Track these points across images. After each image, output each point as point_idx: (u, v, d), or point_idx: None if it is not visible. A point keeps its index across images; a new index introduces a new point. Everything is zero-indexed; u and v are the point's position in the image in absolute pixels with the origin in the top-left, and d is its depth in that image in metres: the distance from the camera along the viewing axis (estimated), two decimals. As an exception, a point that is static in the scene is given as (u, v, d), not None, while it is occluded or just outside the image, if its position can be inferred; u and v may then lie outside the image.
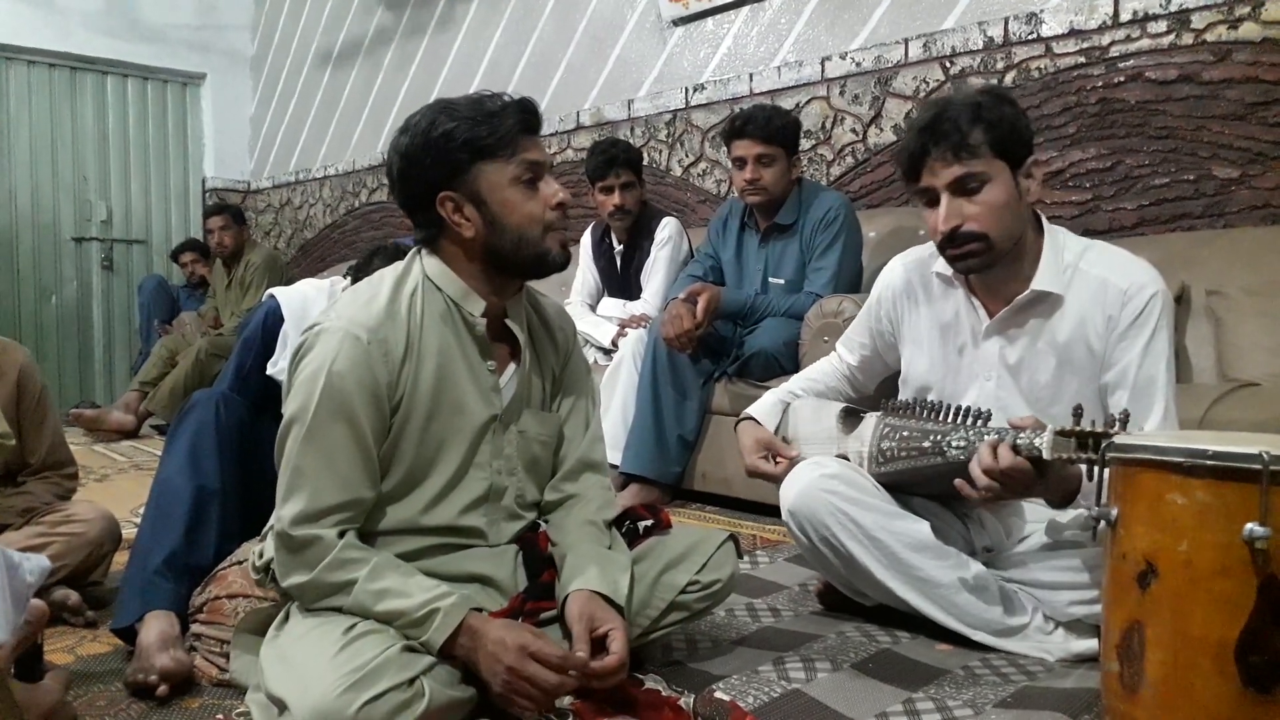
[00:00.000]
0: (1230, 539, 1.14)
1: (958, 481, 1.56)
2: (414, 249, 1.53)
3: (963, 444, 1.60)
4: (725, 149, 3.08)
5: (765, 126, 2.90)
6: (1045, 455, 1.45)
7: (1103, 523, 1.28)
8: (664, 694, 1.48)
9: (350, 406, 1.36)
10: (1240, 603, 1.14)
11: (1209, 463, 1.16)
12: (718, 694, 1.48)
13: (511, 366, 1.54)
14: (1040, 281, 1.69)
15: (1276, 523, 1.12)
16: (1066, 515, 1.71)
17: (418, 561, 1.43)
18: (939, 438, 1.64)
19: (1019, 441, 1.50)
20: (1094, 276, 1.68)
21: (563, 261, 1.49)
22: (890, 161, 3.30)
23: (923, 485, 1.75)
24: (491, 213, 1.43)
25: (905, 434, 1.70)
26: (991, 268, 1.69)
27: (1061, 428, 1.44)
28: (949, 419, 1.65)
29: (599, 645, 1.36)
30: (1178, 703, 1.18)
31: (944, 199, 1.64)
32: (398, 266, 1.51)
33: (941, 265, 1.78)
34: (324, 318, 1.43)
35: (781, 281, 3.00)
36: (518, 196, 1.43)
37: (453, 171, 1.42)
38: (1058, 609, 1.67)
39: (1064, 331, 1.69)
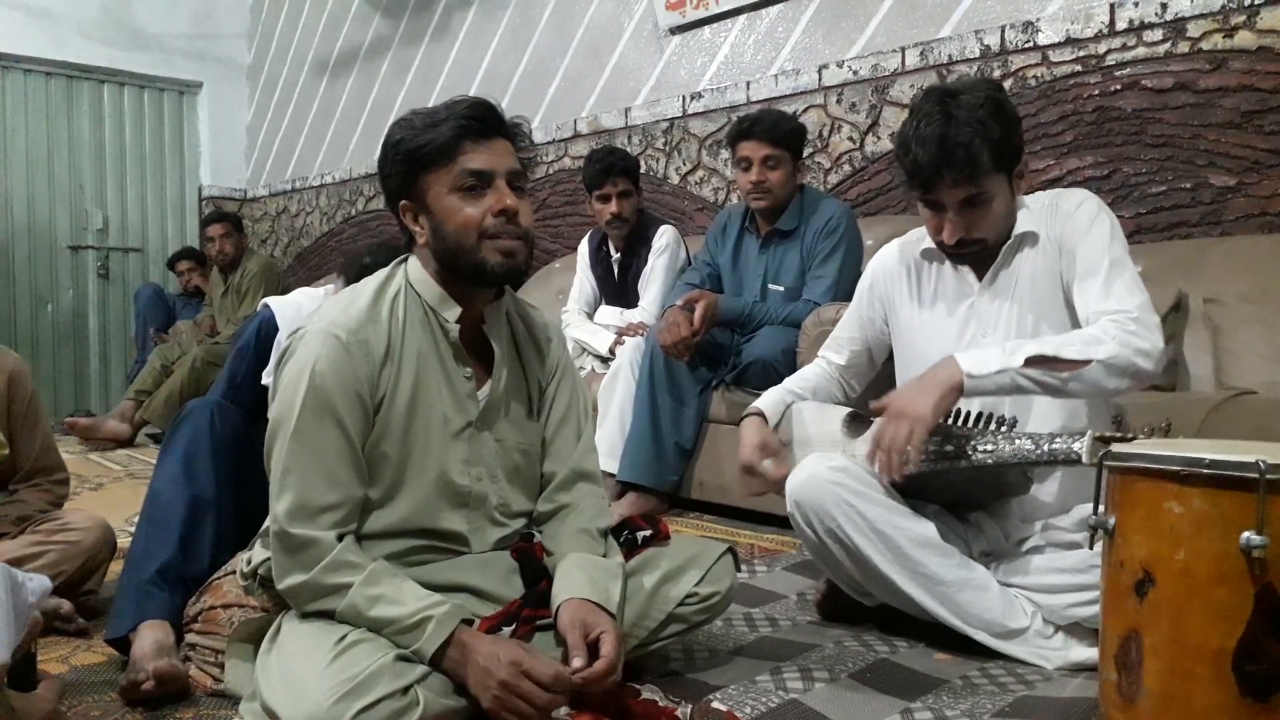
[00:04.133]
0: (1227, 548, 1.14)
1: None
2: (400, 258, 1.55)
3: (990, 448, 1.60)
4: (730, 151, 3.06)
5: (772, 129, 2.90)
6: (1085, 460, 1.45)
7: (1100, 531, 1.28)
8: (661, 704, 1.48)
9: (334, 406, 1.37)
10: (1237, 611, 1.14)
11: (1206, 471, 1.16)
12: (715, 704, 1.47)
13: (490, 374, 1.55)
14: (1021, 226, 1.78)
15: (1273, 531, 1.12)
16: (1066, 519, 1.72)
17: (403, 567, 1.43)
18: (963, 442, 1.63)
19: (1056, 446, 1.50)
20: (1046, 206, 1.80)
21: (503, 272, 1.44)
22: (888, 170, 3.30)
23: (940, 491, 1.75)
24: (435, 221, 1.45)
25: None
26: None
27: (1100, 433, 1.44)
28: (967, 424, 1.65)
29: (593, 650, 1.36)
30: (1175, 712, 1.17)
31: (951, 214, 1.74)
32: (383, 272, 1.52)
33: (927, 242, 1.87)
34: (307, 322, 1.44)
35: (781, 288, 2.99)
36: (456, 204, 1.43)
37: (404, 181, 1.46)
38: (1056, 612, 1.67)
39: (1043, 261, 1.77)
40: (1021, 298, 1.77)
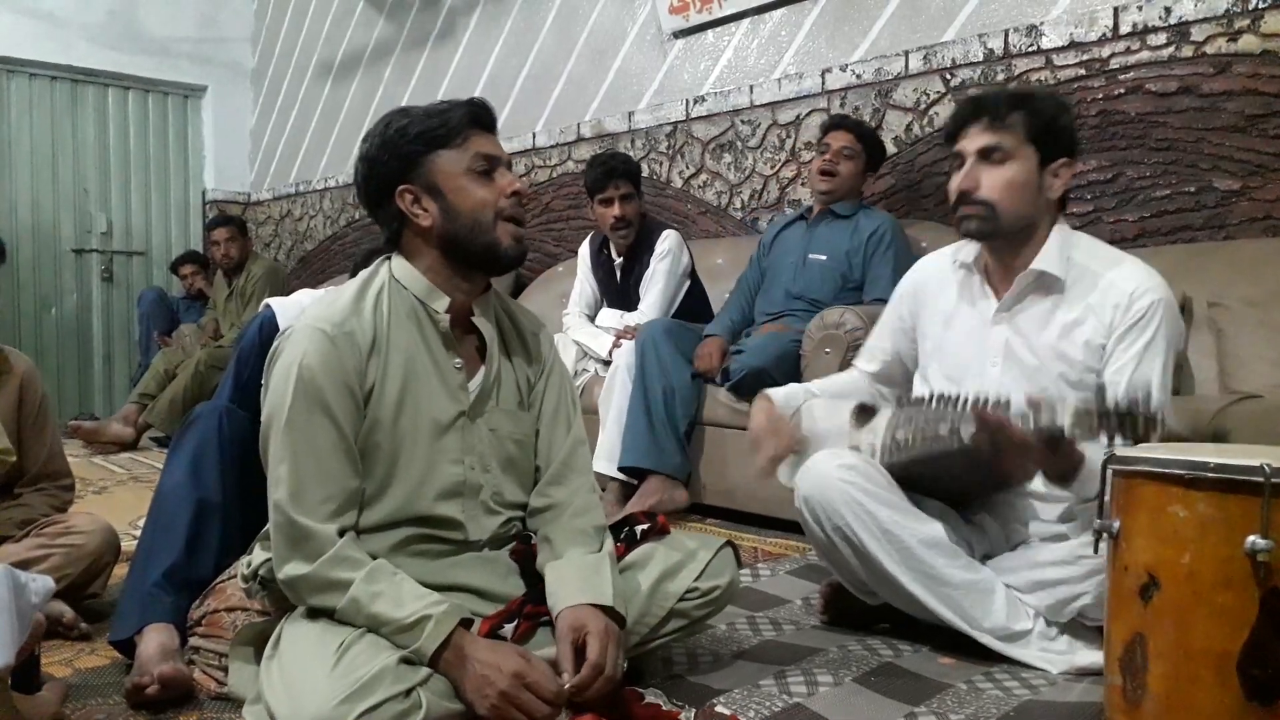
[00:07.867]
0: (1232, 551, 1.14)
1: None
2: (382, 257, 1.56)
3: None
4: (816, 141, 3.25)
5: (859, 126, 3.13)
6: (1067, 432, 1.45)
7: (1104, 535, 1.28)
8: (664, 708, 1.48)
9: (324, 399, 1.39)
10: (1242, 615, 1.14)
11: (1211, 475, 1.16)
12: (718, 708, 1.47)
13: (481, 365, 1.56)
14: (1041, 262, 1.75)
15: (1278, 535, 1.12)
16: (1052, 512, 1.74)
17: (404, 559, 1.44)
18: (955, 423, 1.64)
19: (1040, 417, 1.51)
20: (1101, 275, 1.73)
21: (515, 255, 1.51)
22: (892, 174, 3.31)
23: (937, 478, 1.75)
24: (447, 201, 1.48)
25: (920, 423, 1.71)
26: (992, 238, 1.77)
27: (1083, 406, 1.44)
28: (964, 407, 1.65)
29: (582, 653, 1.37)
30: (1180, 716, 1.17)
31: (968, 163, 1.75)
32: (365, 272, 1.55)
33: (964, 255, 1.86)
34: (294, 322, 1.46)
35: (823, 258, 3.05)
36: (471, 184, 1.47)
37: (408, 164, 1.49)
38: (1054, 610, 1.67)
39: (1064, 322, 1.74)
40: (1030, 339, 1.76)
